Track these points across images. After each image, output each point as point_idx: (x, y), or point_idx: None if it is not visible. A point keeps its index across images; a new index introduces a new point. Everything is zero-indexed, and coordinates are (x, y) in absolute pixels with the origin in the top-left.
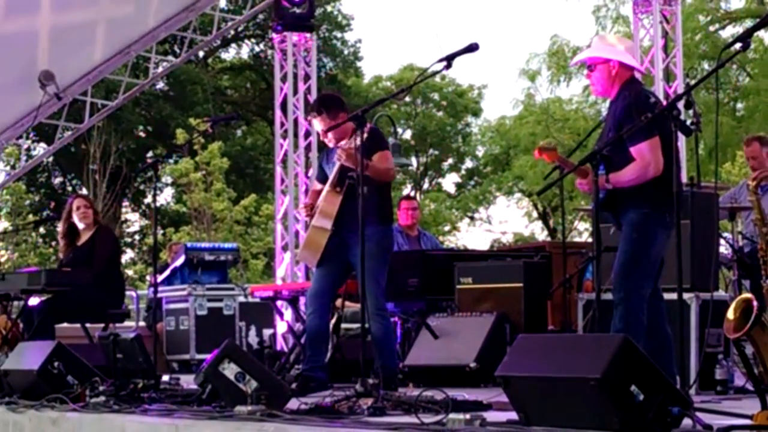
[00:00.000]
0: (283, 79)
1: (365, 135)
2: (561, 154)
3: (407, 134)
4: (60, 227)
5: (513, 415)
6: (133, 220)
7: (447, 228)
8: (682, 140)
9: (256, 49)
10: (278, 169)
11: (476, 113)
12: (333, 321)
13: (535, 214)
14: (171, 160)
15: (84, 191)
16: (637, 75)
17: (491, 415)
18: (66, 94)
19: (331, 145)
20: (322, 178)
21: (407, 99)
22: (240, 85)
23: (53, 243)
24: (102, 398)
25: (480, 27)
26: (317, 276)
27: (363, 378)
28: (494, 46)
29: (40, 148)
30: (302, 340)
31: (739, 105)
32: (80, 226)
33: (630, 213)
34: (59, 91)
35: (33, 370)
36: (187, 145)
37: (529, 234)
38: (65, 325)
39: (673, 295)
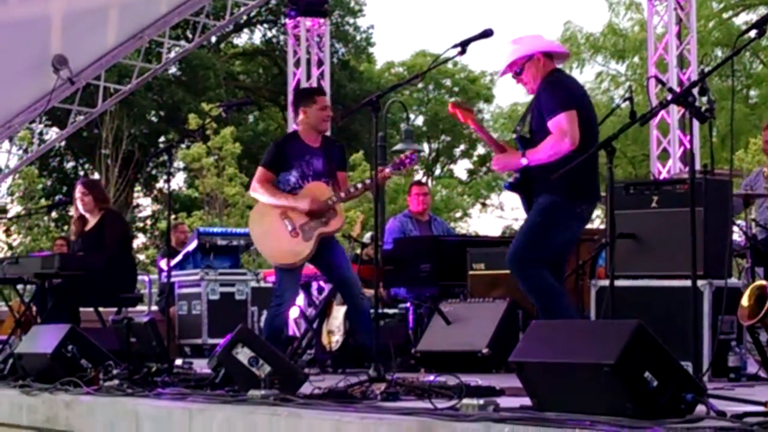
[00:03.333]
0: (297, 65)
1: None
2: (478, 120)
3: (419, 120)
4: (73, 212)
5: (526, 401)
6: (145, 204)
7: (459, 214)
8: (695, 127)
9: (269, 34)
10: None
11: (488, 99)
12: (345, 307)
13: None
14: (183, 145)
15: (96, 176)
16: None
17: (504, 401)
18: (79, 79)
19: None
20: (284, 170)
21: (419, 85)
22: (252, 70)
23: (65, 227)
24: (115, 382)
25: (492, 12)
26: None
27: (376, 363)
28: (507, 32)
29: (53, 133)
30: (314, 325)
31: (753, 92)
32: (84, 211)
33: (540, 198)
34: (72, 75)
35: (47, 354)
36: (200, 130)
37: None
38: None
39: (687, 283)
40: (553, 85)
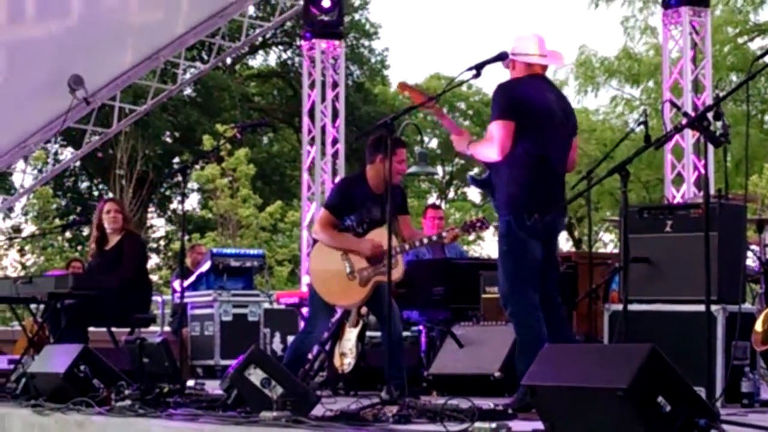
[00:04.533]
0: (311, 87)
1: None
2: (439, 108)
3: (433, 143)
4: (93, 231)
5: (539, 425)
6: (158, 225)
7: (472, 237)
8: (710, 152)
9: (284, 56)
10: (305, 176)
11: None
12: (358, 329)
13: None
14: (197, 166)
15: (110, 196)
16: (540, 64)
17: (517, 425)
18: (95, 99)
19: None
20: (347, 214)
21: None
22: (267, 92)
23: (79, 247)
24: (127, 402)
25: (507, 36)
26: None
27: (388, 385)
28: None
29: (68, 153)
30: (326, 347)
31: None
32: (108, 230)
33: (499, 221)
34: (88, 95)
35: (59, 374)
36: (214, 151)
37: None
38: (92, 329)
39: (701, 307)
40: (501, 91)
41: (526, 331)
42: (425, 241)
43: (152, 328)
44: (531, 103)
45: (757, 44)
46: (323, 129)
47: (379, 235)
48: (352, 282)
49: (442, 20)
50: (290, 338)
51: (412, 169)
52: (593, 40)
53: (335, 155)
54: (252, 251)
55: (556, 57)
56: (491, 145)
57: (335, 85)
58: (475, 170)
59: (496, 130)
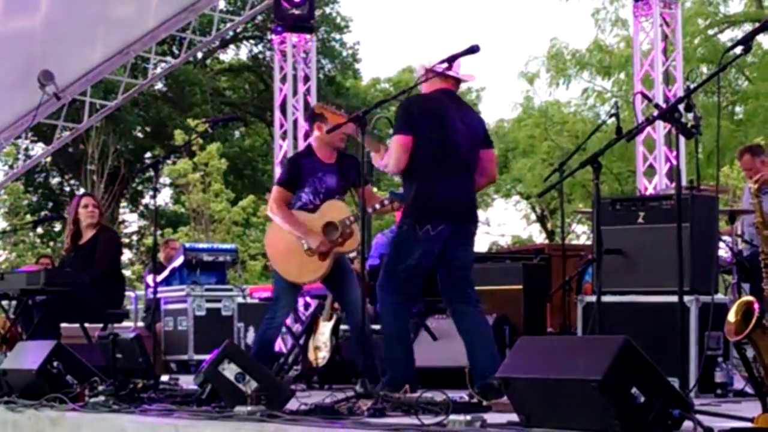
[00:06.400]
0: (283, 81)
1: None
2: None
3: None
4: (68, 225)
5: (513, 417)
6: (131, 220)
7: None
8: (682, 143)
9: (255, 50)
10: (277, 171)
11: None
12: (332, 323)
13: (533, 217)
14: (169, 161)
15: (82, 191)
16: (455, 80)
17: (491, 417)
18: (65, 94)
19: (336, 144)
20: (299, 187)
21: None
22: (238, 86)
23: (51, 243)
24: (101, 398)
25: (479, 29)
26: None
27: (363, 379)
28: (493, 49)
29: (39, 148)
30: (301, 341)
31: (738, 109)
32: (84, 224)
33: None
34: (58, 91)
35: (32, 370)
36: (186, 145)
37: (527, 236)
38: (64, 325)
39: (674, 298)
40: (402, 105)
41: (383, 324)
42: (377, 207)
43: (125, 324)
44: (432, 118)
45: (727, 36)
46: (295, 123)
47: (332, 207)
48: (311, 258)
49: (413, 13)
50: None
51: None
52: (564, 33)
53: None
54: (225, 246)
55: (470, 76)
56: (389, 159)
57: (307, 78)
58: None
59: (393, 144)
